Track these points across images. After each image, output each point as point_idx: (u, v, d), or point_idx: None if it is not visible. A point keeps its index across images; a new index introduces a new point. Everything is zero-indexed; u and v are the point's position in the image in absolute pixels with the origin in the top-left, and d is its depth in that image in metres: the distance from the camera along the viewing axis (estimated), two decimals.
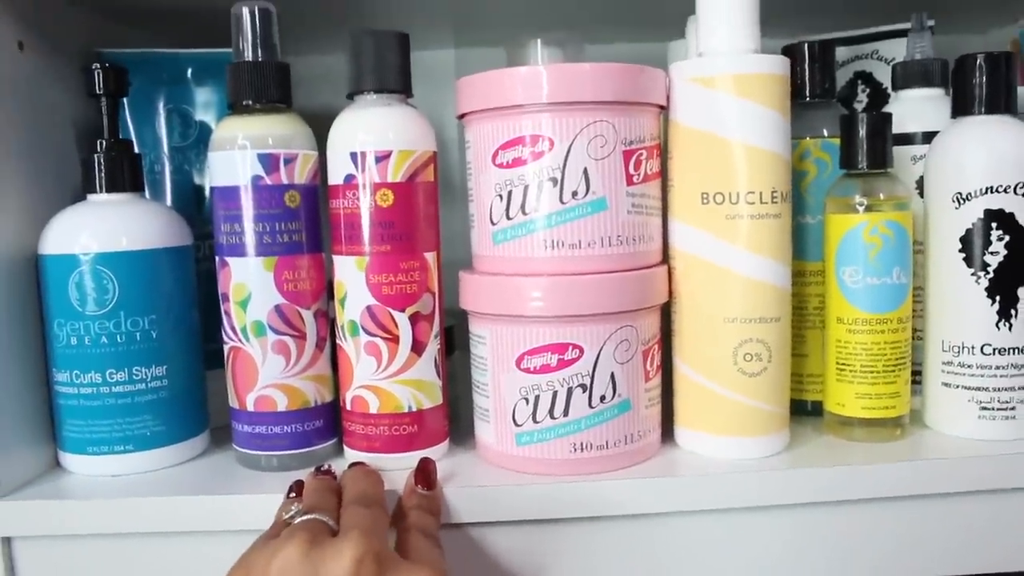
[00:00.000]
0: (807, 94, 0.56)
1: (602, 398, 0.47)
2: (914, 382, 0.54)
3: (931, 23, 0.59)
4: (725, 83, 0.47)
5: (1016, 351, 0.50)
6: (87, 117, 0.57)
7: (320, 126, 0.51)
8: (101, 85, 0.52)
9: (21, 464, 0.50)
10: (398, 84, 0.50)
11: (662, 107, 0.50)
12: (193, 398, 0.54)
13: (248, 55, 0.50)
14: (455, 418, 0.55)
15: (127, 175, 0.52)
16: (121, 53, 0.58)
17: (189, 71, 0.60)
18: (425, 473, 0.47)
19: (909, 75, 0.57)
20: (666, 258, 0.51)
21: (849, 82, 0.67)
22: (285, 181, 0.50)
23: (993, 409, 0.51)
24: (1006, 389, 0.50)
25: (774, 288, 0.49)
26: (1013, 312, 0.50)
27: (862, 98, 0.67)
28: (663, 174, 0.51)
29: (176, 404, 0.52)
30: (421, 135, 0.49)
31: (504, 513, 0.47)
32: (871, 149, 0.51)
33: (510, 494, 0.47)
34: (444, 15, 0.70)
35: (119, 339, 0.50)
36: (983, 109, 0.51)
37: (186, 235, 0.54)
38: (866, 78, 0.67)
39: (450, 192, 0.71)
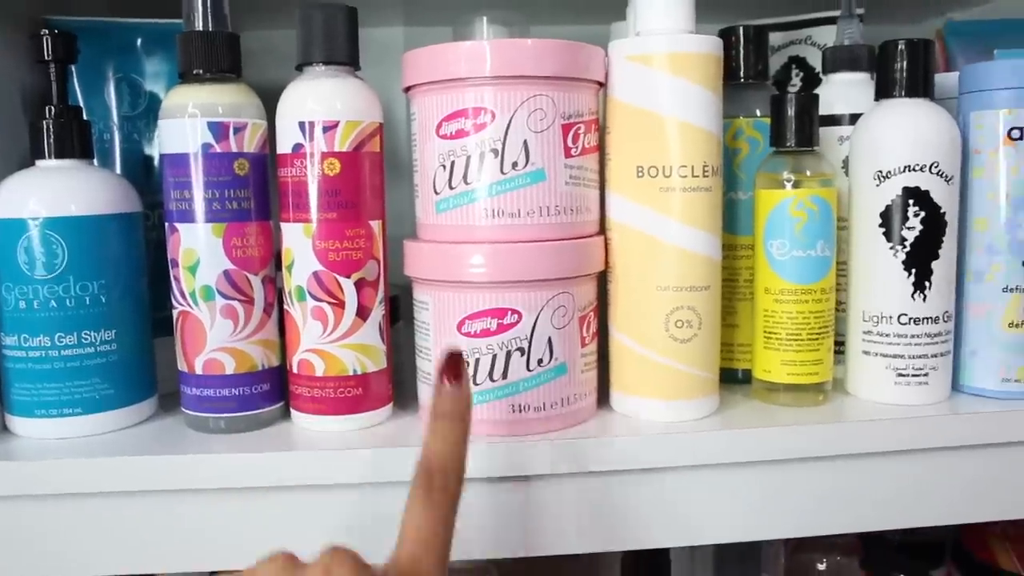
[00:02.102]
0: (741, 76, 0.58)
1: (539, 361, 0.49)
2: (837, 352, 0.57)
3: (860, 11, 0.62)
4: (661, 61, 0.49)
5: (930, 320, 0.53)
6: (34, 84, 0.58)
7: (267, 99, 0.52)
8: (50, 51, 0.53)
9: None
10: (346, 56, 0.51)
11: (601, 84, 0.52)
12: (141, 363, 0.55)
13: (199, 25, 0.51)
14: (398, 384, 0.56)
15: (76, 142, 0.53)
16: (70, 20, 0.59)
17: (139, 41, 0.61)
18: (452, 363, 0.42)
19: (837, 60, 0.60)
20: (603, 229, 0.54)
21: (784, 66, 0.70)
22: (234, 149, 0.51)
23: (908, 375, 0.54)
24: (920, 356, 0.54)
25: (704, 258, 0.51)
26: (927, 284, 0.53)
27: (796, 82, 0.69)
28: (601, 148, 0.53)
29: (124, 368, 0.53)
30: (367, 106, 0.51)
31: None
32: (799, 128, 0.53)
33: None
34: None
35: (68, 303, 0.51)
36: (903, 92, 0.53)
37: (135, 202, 0.55)
38: (800, 62, 0.69)
39: (397, 170, 0.72)
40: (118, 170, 0.60)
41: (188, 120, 0.50)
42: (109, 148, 0.61)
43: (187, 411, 0.53)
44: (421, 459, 0.40)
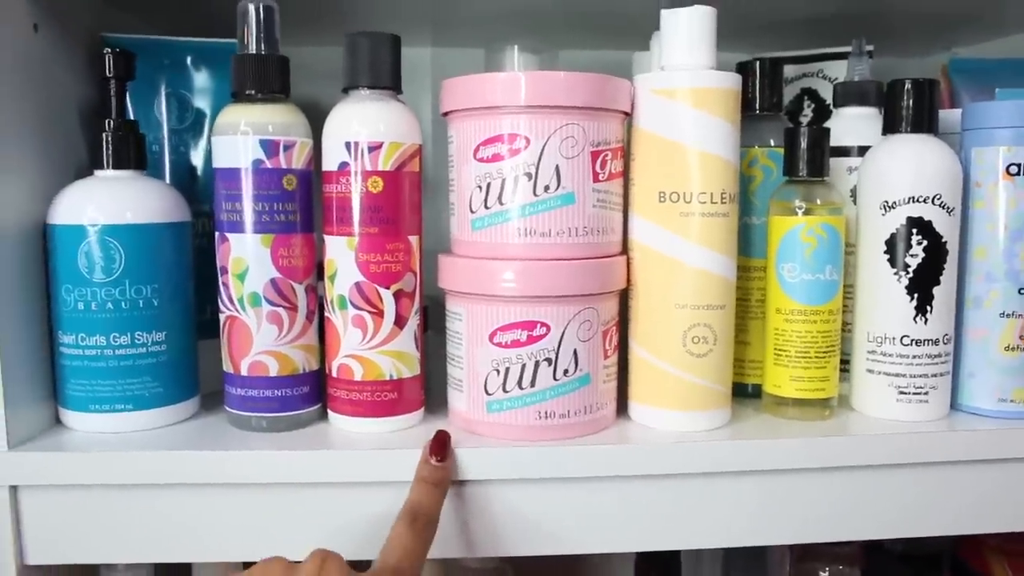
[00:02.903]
0: (757, 107, 0.62)
1: (565, 371, 0.53)
2: (843, 370, 0.60)
3: (870, 48, 0.65)
4: (684, 95, 0.53)
5: (930, 342, 0.57)
6: (90, 98, 0.61)
7: (310, 116, 0.56)
8: (112, 68, 0.56)
9: (27, 419, 0.54)
10: (390, 81, 0.54)
11: (627, 113, 0.55)
12: (188, 363, 0.58)
13: (252, 48, 0.54)
14: (427, 390, 0.60)
15: (132, 153, 0.56)
16: (126, 38, 0.62)
17: (189, 58, 0.64)
18: (439, 443, 0.51)
19: (848, 95, 0.63)
20: (626, 249, 0.57)
21: (796, 97, 0.73)
22: (284, 165, 0.54)
23: (910, 393, 0.57)
24: (921, 376, 0.57)
25: (721, 279, 0.54)
26: (928, 308, 0.56)
27: (808, 112, 0.73)
28: (626, 174, 0.56)
29: (173, 368, 0.57)
30: (409, 129, 0.54)
31: (473, 473, 0.52)
32: (811, 159, 0.57)
33: (479, 457, 0.52)
34: (424, 15, 0.74)
35: (123, 305, 0.54)
36: (909, 128, 0.57)
37: (185, 211, 0.58)
38: (812, 94, 0.73)
39: (423, 183, 0.76)
40: (167, 180, 0.64)
41: (240, 137, 0.54)
42: (158, 159, 0.64)
43: (231, 410, 0.56)
44: (407, 503, 0.49)
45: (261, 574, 0.45)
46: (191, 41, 0.65)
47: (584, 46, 0.82)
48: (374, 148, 0.53)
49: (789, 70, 0.72)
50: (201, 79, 0.65)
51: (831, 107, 0.68)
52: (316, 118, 0.56)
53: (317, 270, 0.57)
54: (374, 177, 0.53)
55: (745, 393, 0.63)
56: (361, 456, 0.52)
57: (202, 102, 0.65)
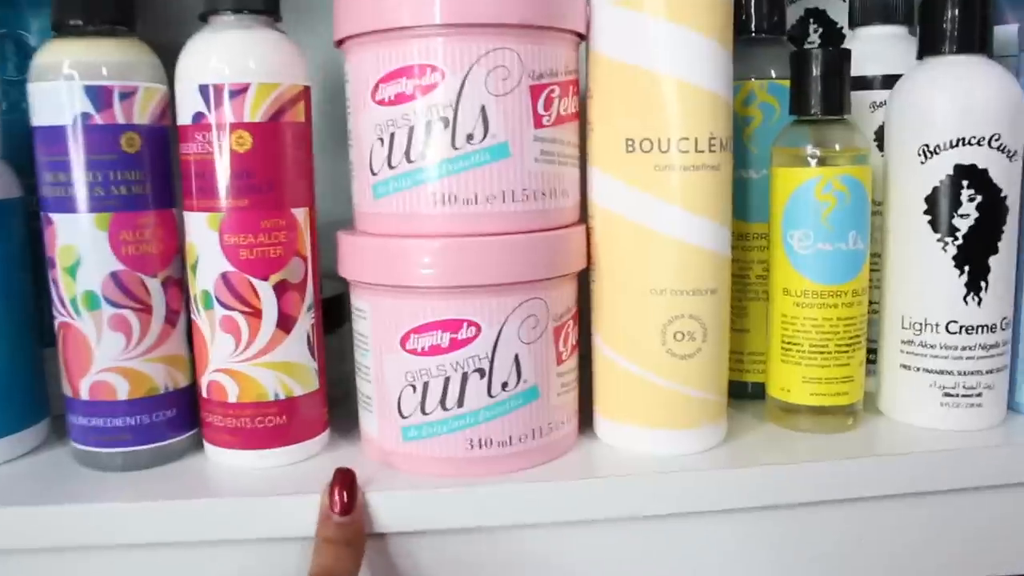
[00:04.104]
0: (752, 29, 0.49)
1: (504, 385, 0.40)
2: (868, 362, 0.47)
3: None
4: (656, 5, 0.39)
5: (985, 329, 0.44)
6: None
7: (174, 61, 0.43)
8: None
9: None
10: (260, 3, 0.41)
11: (581, 36, 0.42)
12: (23, 382, 0.45)
13: None
14: (347, 401, 0.47)
15: None
16: None
17: None
18: (343, 489, 0.38)
19: (868, 10, 0.51)
20: (584, 217, 0.44)
21: (800, 20, 0.61)
22: (121, 120, 0.41)
23: (958, 396, 0.44)
24: (972, 373, 0.44)
25: (710, 254, 0.41)
26: (983, 285, 0.43)
27: (814, 39, 0.61)
28: (581, 116, 0.43)
29: (1, 388, 0.43)
30: (288, 64, 0.41)
31: (384, 523, 0.39)
32: (826, 92, 0.44)
33: (392, 501, 0.39)
34: None
35: None
36: (955, 48, 0.44)
37: (12, 186, 0.45)
38: (818, 16, 0.60)
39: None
40: None
41: (63, 83, 0.40)
42: None
43: (75, 444, 0.43)
44: (311, 573, 0.37)
45: None
46: None
47: None
48: (238, 92, 0.39)
49: None
50: (45, 17, 0.51)
51: (844, 30, 0.56)
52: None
53: (181, 258, 0.44)
54: (240, 131, 0.40)
55: (744, 394, 0.50)
56: (230, 505, 0.39)
57: None
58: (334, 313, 0.50)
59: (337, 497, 0.38)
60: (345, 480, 0.38)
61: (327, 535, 0.38)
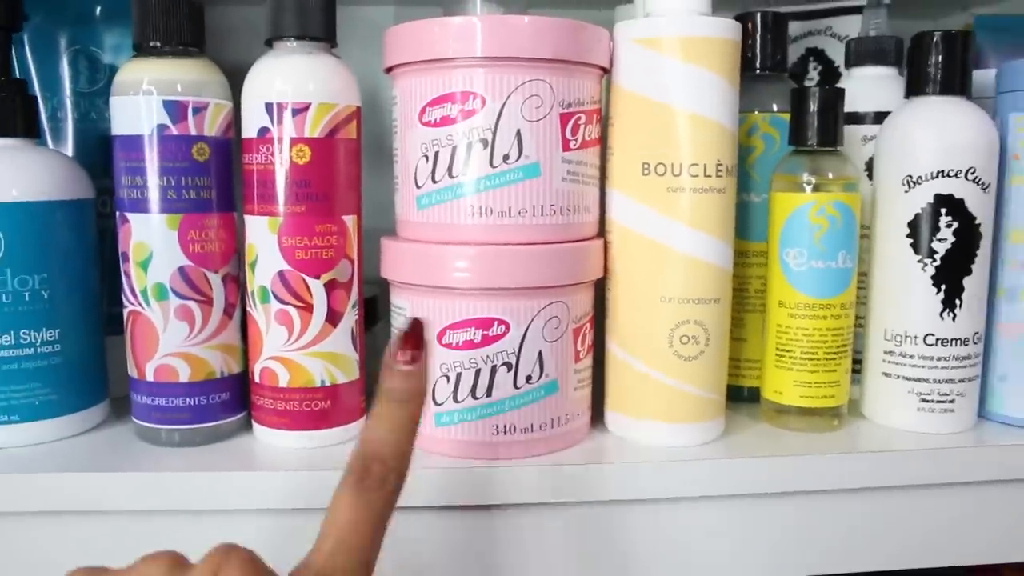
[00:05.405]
0: (757, 66, 0.54)
1: (528, 378, 0.44)
2: (854, 371, 0.52)
3: (887, 0, 0.56)
4: (672, 46, 0.44)
5: (958, 342, 0.48)
6: None
7: (238, 80, 0.47)
8: None
9: None
10: (321, 31, 0.46)
11: (605, 69, 0.46)
12: (89, 365, 0.50)
13: None
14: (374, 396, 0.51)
15: (20, 118, 0.48)
16: None
17: (97, 9, 0.55)
18: (414, 337, 0.34)
19: (862, 52, 0.55)
20: (602, 231, 0.48)
21: (801, 58, 0.65)
22: (193, 132, 0.45)
23: (933, 401, 0.49)
24: (946, 381, 0.49)
25: (715, 267, 0.46)
26: (958, 302, 0.48)
27: (813, 75, 0.64)
28: (603, 141, 0.48)
29: (69, 371, 0.48)
30: (343, 87, 0.45)
31: (417, 498, 0.44)
32: (822, 125, 0.48)
33: (424, 479, 0.44)
34: None
35: (5, 299, 0.46)
36: (938, 89, 0.48)
37: (86, 188, 0.49)
38: (818, 55, 0.64)
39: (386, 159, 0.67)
40: (71, 151, 0.55)
41: (143, 98, 0.45)
42: (62, 127, 0.55)
43: (137, 421, 0.48)
44: (359, 445, 0.34)
45: (141, 572, 0.31)
46: None
47: (561, 5, 0.73)
48: (300, 110, 0.44)
49: (793, 27, 0.63)
50: (114, 35, 0.56)
51: (841, 69, 0.60)
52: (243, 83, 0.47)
53: (239, 257, 0.48)
54: (300, 145, 0.44)
55: (740, 397, 0.55)
56: (281, 478, 0.44)
57: (118, 62, 0.56)
58: (368, 314, 0.54)
59: (408, 338, 0.34)
60: (418, 325, 0.35)
61: (392, 388, 0.34)
